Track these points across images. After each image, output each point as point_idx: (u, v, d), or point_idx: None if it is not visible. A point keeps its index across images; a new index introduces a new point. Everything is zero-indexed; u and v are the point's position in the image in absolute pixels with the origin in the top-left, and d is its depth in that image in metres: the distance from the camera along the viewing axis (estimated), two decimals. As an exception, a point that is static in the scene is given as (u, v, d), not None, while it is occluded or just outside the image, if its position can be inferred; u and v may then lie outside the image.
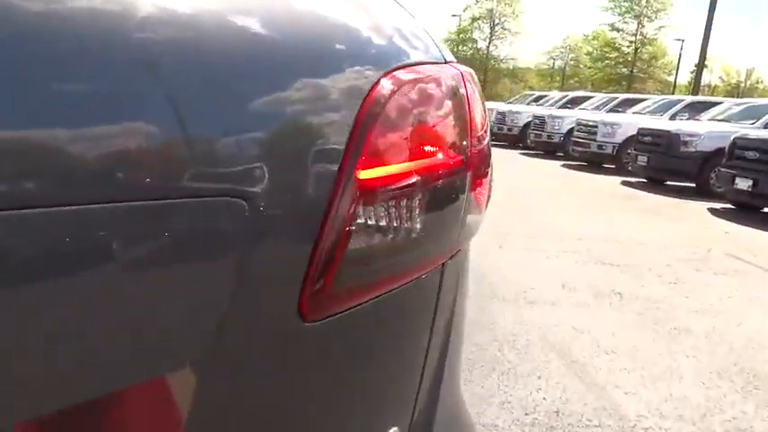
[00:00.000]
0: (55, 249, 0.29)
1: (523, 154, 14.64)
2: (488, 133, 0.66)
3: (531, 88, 34.30)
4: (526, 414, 2.19)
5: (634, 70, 34.70)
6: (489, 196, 0.67)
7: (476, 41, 37.64)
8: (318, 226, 0.39)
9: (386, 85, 0.44)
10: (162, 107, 0.32)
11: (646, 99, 14.41)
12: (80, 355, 0.30)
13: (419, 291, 0.53)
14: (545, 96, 19.66)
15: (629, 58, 34.87)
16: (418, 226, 0.46)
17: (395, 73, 0.45)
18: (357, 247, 0.41)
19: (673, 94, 24.66)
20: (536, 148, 15.35)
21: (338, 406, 0.46)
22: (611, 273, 4.24)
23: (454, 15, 37.70)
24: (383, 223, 0.43)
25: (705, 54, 21.71)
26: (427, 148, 0.47)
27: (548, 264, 4.38)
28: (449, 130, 0.50)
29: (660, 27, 34.71)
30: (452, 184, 0.51)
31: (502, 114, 17.44)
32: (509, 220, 5.79)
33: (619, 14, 35.11)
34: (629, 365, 2.69)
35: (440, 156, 0.49)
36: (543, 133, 14.79)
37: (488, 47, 37.06)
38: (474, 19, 36.96)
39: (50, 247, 0.29)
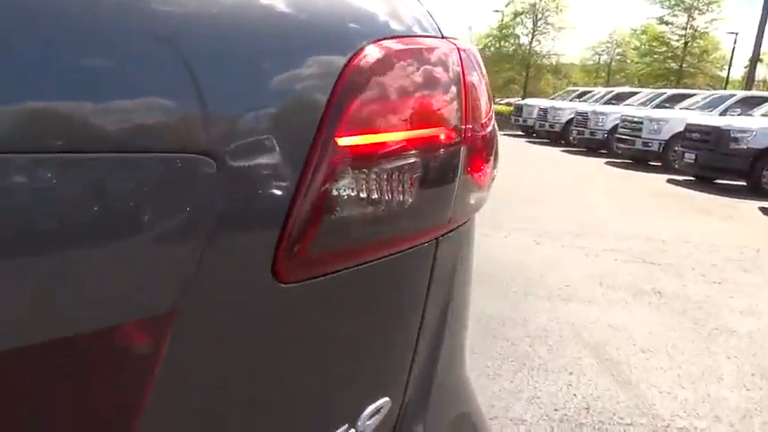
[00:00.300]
0: (37, 193, 0.31)
1: (565, 151, 14.36)
2: (493, 120, 0.66)
3: (575, 84, 33.57)
4: (555, 410, 2.17)
5: (683, 65, 33.51)
6: (493, 178, 0.67)
7: (518, 37, 37.04)
8: (294, 189, 0.40)
9: (371, 53, 0.44)
10: (135, 63, 0.34)
11: (695, 94, 13.90)
12: (55, 297, 0.33)
13: (409, 264, 0.54)
14: (589, 92, 19.23)
15: (679, 53, 33.68)
16: (402, 197, 0.46)
17: (383, 42, 0.45)
18: (335, 213, 0.42)
19: (725, 89, 23.74)
20: (578, 145, 15.02)
21: (321, 370, 0.47)
22: (653, 272, 4.13)
23: (496, 11, 37.22)
24: (364, 191, 0.44)
25: (759, 48, 20.82)
26: (415, 120, 0.47)
27: (586, 261, 4.30)
28: (440, 105, 0.50)
29: (712, 20, 33.38)
30: (442, 160, 0.51)
31: (543, 111, 17.16)
32: (547, 218, 5.71)
33: (668, 7, 33.96)
34: (665, 364, 2.63)
35: (429, 129, 0.49)
36: (586, 130, 14.46)
37: (531, 42, 36.42)
38: (516, 14, 36.38)
39: (30, 191, 0.31)
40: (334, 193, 0.42)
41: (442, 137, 0.51)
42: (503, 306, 3.20)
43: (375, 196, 0.45)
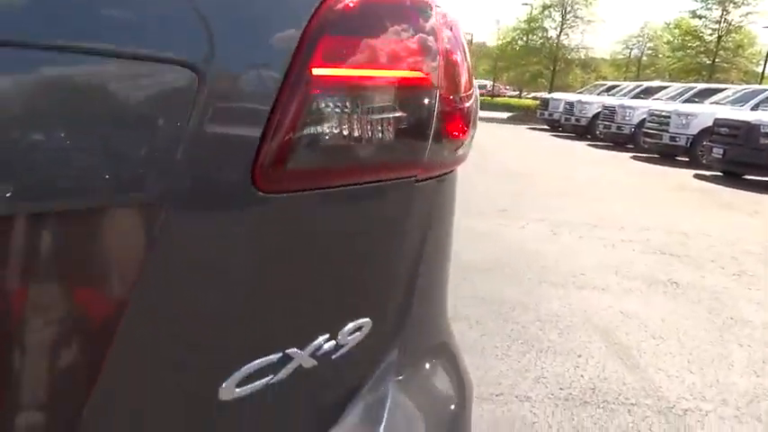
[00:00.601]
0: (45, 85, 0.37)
1: (591, 145, 14.20)
2: (474, 96, 0.71)
3: (605, 78, 33.04)
4: (561, 389, 2.21)
5: (716, 60, 32.69)
6: (472, 137, 0.72)
7: (546, 30, 36.49)
8: (270, 110, 0.45)
9: None
10: None
11: (725, 89, 13.61)
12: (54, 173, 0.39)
13: (389, 199, 0.59)
14: (617, 86, 18.95)
15: (712, 47, 32.88)
16: (375, 130, 0.51)
17: None
18: (308, 133, 0.48)
19: (760, 84, 23.11)
20: (604, 139, 14.85)
21: (302, 283, 0.53)
22: (671, 263, 4.11)
23: (525, 4, 36.72)
24: (336, 119, 0.49)
25: (797, 41, 20.19)
26: (390, 61, 0.52)
27: (603, 252, 4.29)
28: (415, 50, 0.55)
29: (747, 13, 32.42)
30: (416, 100, 0.56)
31: (570, 105, 16.98)
32: (567, 210, 5.69)
33: (701, 0, 33.18)
34: (675, 350, 2.64)
35: (404, 72, 0.54)
36: (612, 124, 14.28)
37: (559, 36, 35.90)
38: (545, 7, 35.86)
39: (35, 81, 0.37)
40: (308, 115, 0.48)
41: (417, 78, 0.56)
42: (516, 292, 3.23)
43: (347, 125, 0.50)
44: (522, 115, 23.01)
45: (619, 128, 14.09)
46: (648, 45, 40.01)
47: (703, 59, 33.43)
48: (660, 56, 37.84)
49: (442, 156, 0.65)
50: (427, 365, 0.72)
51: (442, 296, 0.76)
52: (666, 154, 11.79)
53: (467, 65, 0.68)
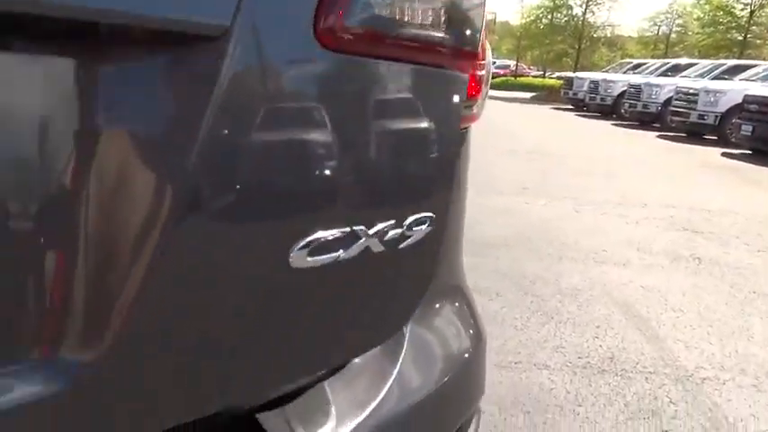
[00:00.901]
0: None
1: (616, 125, 13.98)
2: (488, 63, 0.77)
3: (631, 57, 32.32)
4: (579, 358, 2.25)
5: (748, 36, 31.69)
6: (484, 97, 0.78)
7: (571, 8, 35.74)
8: None
9: None
10: None
11: (757, 65, 13.24)
12: None
13: (439, 101, 0.62)
14: (644, 64, 18.56)
15: (743, 23, 31.85)
16: (425, 20, 0.55)
17: None
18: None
19: (793, 60, 22.38)
20: (630, 118, 14.60)
21: (364, 159, 0.54)
22: (694, 239, 4.09)
23: (549, -18, 36.02)
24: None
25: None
26: None
27: (625, 228, 4.29)
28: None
29: (782, -14, 31.36)
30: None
31: (594, 83, 16.70)
32: (590, 189, 5.67)
33: (734, -26, 32.10)
34: (695, 323, 2.65)
35: None
36: (638, 103, 14.03)
37: (585, 13, 35.15)
38: (570, -16, 35.16)
39: None
40: None
41: None
42: (536, 267, 3.27)
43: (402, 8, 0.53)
44: (546, 95, 22.69)
45: (645, 106, 13.84)
46: (677, 22, 38.93)
47: (734, 35, 32.44)
48: (689, 32, 36.82)
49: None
50: (443, 305, 0.78)
51: (459, 239, 0.81)
52: (694, 133, 11.57)
53: (484, 36, 0.74)
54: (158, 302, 0.45)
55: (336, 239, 0.53)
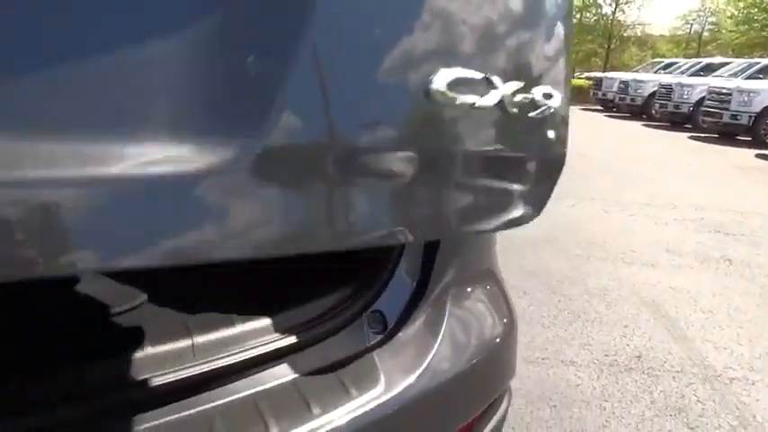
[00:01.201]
0: None
1: (646, 125, 13.78)
2: None
3: (662, 56, 31.76)
4: (606, 356, 2.28)
5: (786, 33, 30.88)
6: None
7: (600, 7, 35.38)
8: None
9: None
10: None
11: (793, 64, 12.91)
12: None
13: None
14: (675, 64, 18.24)
15: (780, 20, 31.06)
16: None
17: None
18: None
19: (832, 59, 21.66)
20: (661, 119, 14.38)
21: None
22: (725, 241, 4.05)
23: (578, -19, 35.59)
24: None
25: None
26: None
27: (654, 229, 4.27)
28: None
29: (821, -18, 30.45)
30: None
31: (624, 84, 16.47)
32: (619, 189, 5.64)
33: (770, -30, 31.27)
34: (724, 324, 2.65)
35: None
36: (669, 103, 13.80)
37: (614, 12, 34.71)
38: (600, -17, 34.72)
39: None
40: None
41: None
42: (564, 266, 3.29)
43: None
44: (575, 95, 22.48)
45: (676, 107, 13.61)
46: (710, 20, 38.12)
47: (771, 33, 31.61)
48: (722, 31, 36.02)
49: None
50: (479, 288, 0.83)
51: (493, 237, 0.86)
52: (727, 133, 11.35)
53: None
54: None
55: (473, 81, 0.57)
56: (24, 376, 0.55)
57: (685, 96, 13.42)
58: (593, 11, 35.42)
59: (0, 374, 0.55)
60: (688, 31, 39.76)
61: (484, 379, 0.78)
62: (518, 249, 3.46)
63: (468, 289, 0.80)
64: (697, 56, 30.28)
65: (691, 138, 11.57)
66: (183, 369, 0.59)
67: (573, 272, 3.21)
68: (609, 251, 3.64)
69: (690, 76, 15.06)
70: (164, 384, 0.57)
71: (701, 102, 12.40)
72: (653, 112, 14.73)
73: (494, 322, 0.82)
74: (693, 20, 39.05)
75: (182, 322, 0.66)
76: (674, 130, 12.87)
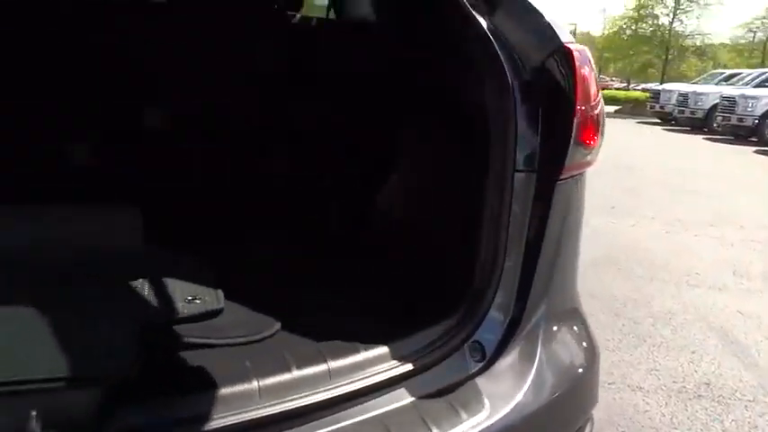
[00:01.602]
0: None
1: (707, 139, 13.33)
2: (600, 104, 0.91)
3: (724, 66, 30.65)
4: (674, 382, 2.27)
5: None
6: (599, 144, 0.92)
7: (657, 17, 34.48)
8: None
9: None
10: None
11: None
12: None
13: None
14: (738, 74, 17.59)
15: None
16: None
17: None
18: None
19: None
20: (723, 133, 13.87)
21: None
22: (797, 263, 3.92)
23: (634, -9, 34.86)
24: None
25: None
26: None
27: (720, 250, 4.17)
28: None
29: None
30: None
31: (684, 96, 16.00)
32: (682, 207, 5.52)
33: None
34: (798, 351, 2.58)
35: None
36: (733, 116, 13.31)
37: (672, 22, 33.76)
38: (656, -7, 33.90)
39: None
40: None
41: None
42: (626, 288, 3.27)
43: None
44: (631, 108, 21.90)
45: (740, 120, 13.11)
46: (776, 27, 36.54)
47: (843, 40, 30.04)
48: (790, 39, 34.48)
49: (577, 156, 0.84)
50: (565, 324, 0.91)
51: (574, 269, 0.94)
52: (796, 147, 10.87)
53: (594, 82, 0.87)
54: None
55: None
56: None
57: (749, 109, 12.93)
58: (650, 21, 34.61)
59: None
60: (751, 39, 38.24)
61: (571, 407, 0.85)
62: (580, 271, 3.45)
63: (556, 325, 0.87)
64: (762, 65, 29.04)
65: (757, 152, 11.13)
66: (321, 392, 0.69)
67: (636, 294, 3.19)
68: (672, 273, 3.59)
69: (754, 87, 14.50)
70: (310, 404, 0.66)
71: (766, 114, 11.93)
72: (715, 125, 14.25)
73: (579, 357, 0.89)
74: (757, 28, 37.53)
75: (316, 349, 0.76)
76: (739, 144, 12.39)
